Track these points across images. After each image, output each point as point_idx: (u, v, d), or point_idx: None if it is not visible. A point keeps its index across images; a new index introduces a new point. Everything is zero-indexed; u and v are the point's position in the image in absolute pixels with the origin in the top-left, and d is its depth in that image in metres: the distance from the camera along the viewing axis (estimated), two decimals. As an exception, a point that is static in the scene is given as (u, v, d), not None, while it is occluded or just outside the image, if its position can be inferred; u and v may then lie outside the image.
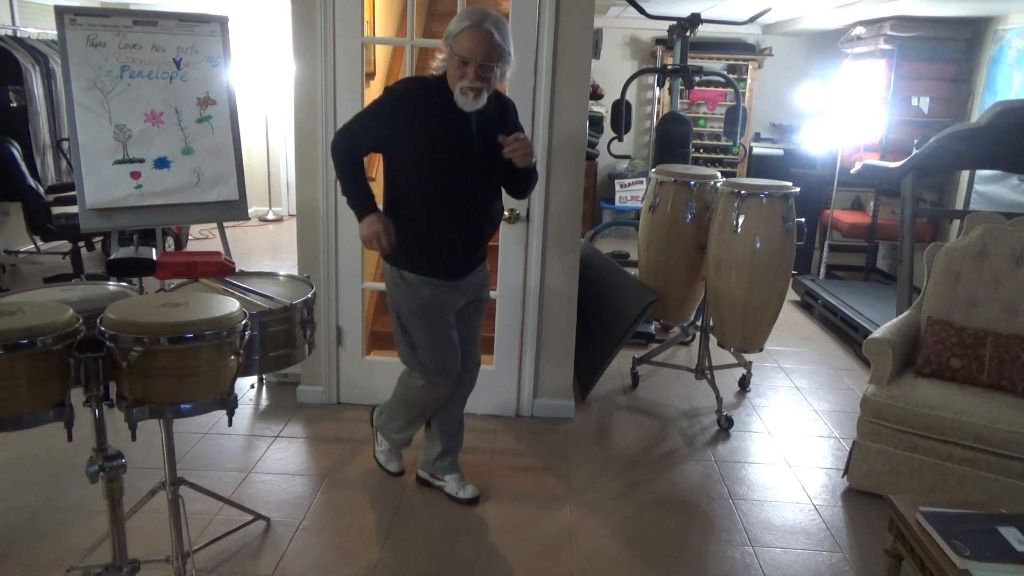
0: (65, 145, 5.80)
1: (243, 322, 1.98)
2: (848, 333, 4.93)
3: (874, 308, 4.98)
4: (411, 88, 2.55)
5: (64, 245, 5.75)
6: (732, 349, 3.81)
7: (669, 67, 5.31)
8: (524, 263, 3.50)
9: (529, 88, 3.31)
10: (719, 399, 3.75)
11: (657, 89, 7.75)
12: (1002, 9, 5.20)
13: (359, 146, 2.60)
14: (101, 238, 5.97)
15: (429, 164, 2.51)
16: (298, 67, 3.40)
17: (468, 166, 2.53)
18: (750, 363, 4.23)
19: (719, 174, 3.82)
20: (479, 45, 2.34)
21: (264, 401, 3.79)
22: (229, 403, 1.99)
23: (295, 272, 2.69)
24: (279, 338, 2.26)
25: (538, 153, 3.37)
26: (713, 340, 3.88)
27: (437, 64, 2.52)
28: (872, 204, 6.19)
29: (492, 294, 3.54)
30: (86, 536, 2.58)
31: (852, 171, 5.02)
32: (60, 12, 3.54)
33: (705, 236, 3.71)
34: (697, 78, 5.29)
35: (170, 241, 6.04)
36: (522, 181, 2.67)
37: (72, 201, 4.61)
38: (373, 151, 2.69)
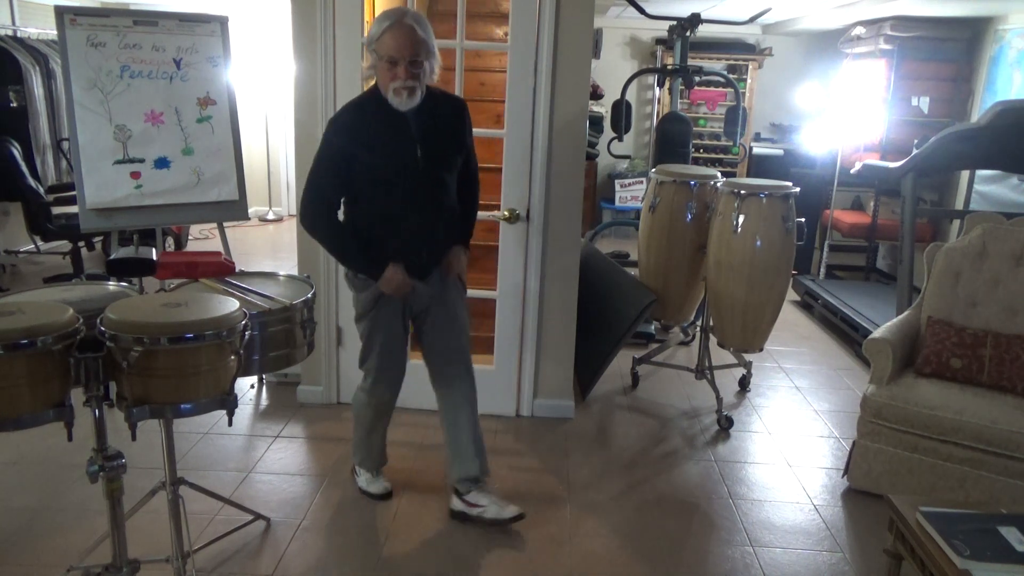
0: (65, 145, 5.80)
1: (243, 322, 1.98)
2: (848, 333, 4.93)
3: (874, 308, 4.98)
4: (346, 112, 2.52)
5: (64, 245, 5.74)
6: (732, 349, 3.81)
7: (669, 67, 5.32)
8: (524, 263, 3.50)
9: (529, 88, 3.31)
10: (719, 399, 3.75)
11: (657, 89, 7.75)
12: (1002, 9, 5.19)
13: (331, 196, 2.53)
14: (101, 238, 5.97)
15: (373, 170, 2.49)
16: (298, 67, 3.40)
17: (411, 168, 2.49)
18: (750, 363, 4.23)
19: (719, 174, 3.82)
20: (405, 43, 2.35)
21: (264, 401, 3.78)
22: (229, 403, 1.99)
23: (295, 272, 2.69)
24: (279, 338, 2.26)
25: (538, 153, 3.37)
26: (713, 340, 3.88)
27: (365, 74, 2.55)
28: (872, 204, 6.19)
29: (491, 293, 3.55)
30: (86, 536, 2.58)
31: (852, 171, 5.02)
32: (60, 12, 3.53)
33: (705, 236, 3.71)
34: (697, 78, 5.29)
35: (170, 241, 6.04)
36: (470, 205, 2.76)
37: (72, 201, 4.61)
38: (345, 191, 2.55)
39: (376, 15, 2.43)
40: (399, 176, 2.49)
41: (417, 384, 3.70)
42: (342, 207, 2.59)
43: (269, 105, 8.13)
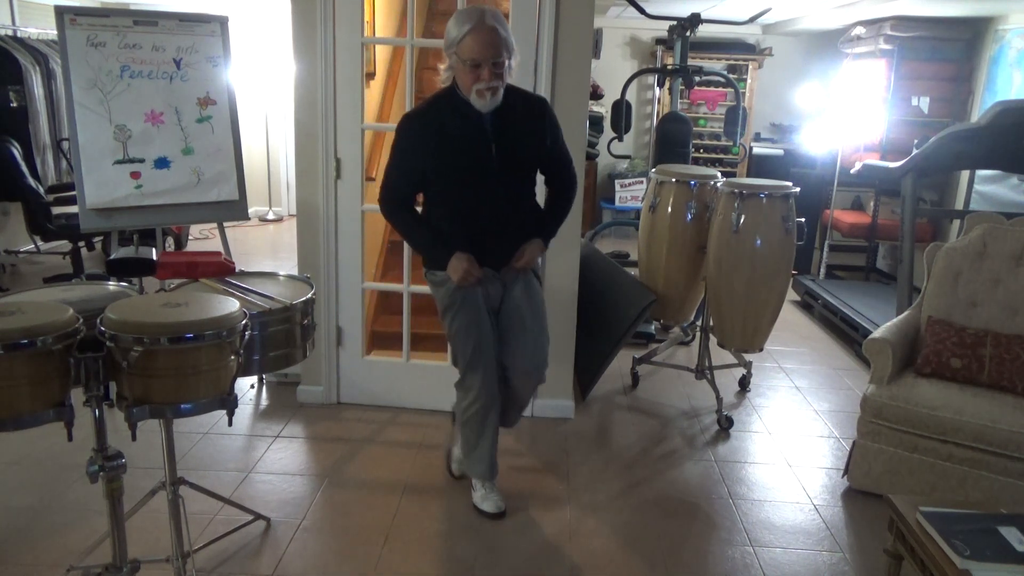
0: (65, 145, 5.80)
1: (243, 322, 1.98)
2: (848, 333, 4.93)
3: (874, 308, 4.98)
4: (421, 109, 2.57)
5: (64, 245, 5.74)
6: (732, 349, 3.81)
7: (669, 67, 5.32)
8: (524, 263, 3.49)
9: (529, 88, 3.30)
10: (719, 399, 3.75)
11: (657, 89, 7.75)
12: (1002, 9, 5.19)
13: (405, 191, 2.61)
14: (101, 238, 5.97)
15: (448, 170, 2.52)
16: (298, 67, 3.40)
17: (485, 167, 2.51)
18: (750, 363, 4.23)
19: (719, 174, 3.82)
20: (487, 46, 2.34)
21: (264, 401, 3.79)
22: (229, 403, 1.99)
23: (295, 272, 2.68)
24: (279, 338, 2.26)
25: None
26: (713, 340, 3.88)
27: (443, 76, 2.53)
28: (872, 204, 6.19)
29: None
30: (86, 536, 2.58)
31: (852, 171, 5.02)
32: (60, 12, 3.53)
33: (705, 236, 3.71)
34: (697, 78, 5.29)
35: (170, 241, 6.04)
36: (559, 206, 2.75)
37: (72, 201, 4.61)
38: (420, 186, 2.62)
39: (455, 15, 2.42)
40: (472, 174, 2.51)
41: (417, 384, 3.71)
42: (426, 201, 2.64)
43: (269, 105, 8.13)
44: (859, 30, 6.16)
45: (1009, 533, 1.96)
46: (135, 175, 3.70)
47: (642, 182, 5.32)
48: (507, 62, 2.40)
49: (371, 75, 4.61)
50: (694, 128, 6.99)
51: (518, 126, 2.54)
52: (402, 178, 2.59)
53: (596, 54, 7.49)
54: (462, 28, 2.36)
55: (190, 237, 6.82)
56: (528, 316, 2.71)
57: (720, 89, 7.73)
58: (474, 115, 2.47)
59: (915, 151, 4.10)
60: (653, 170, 4.00)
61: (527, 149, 2.59)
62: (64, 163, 5.93)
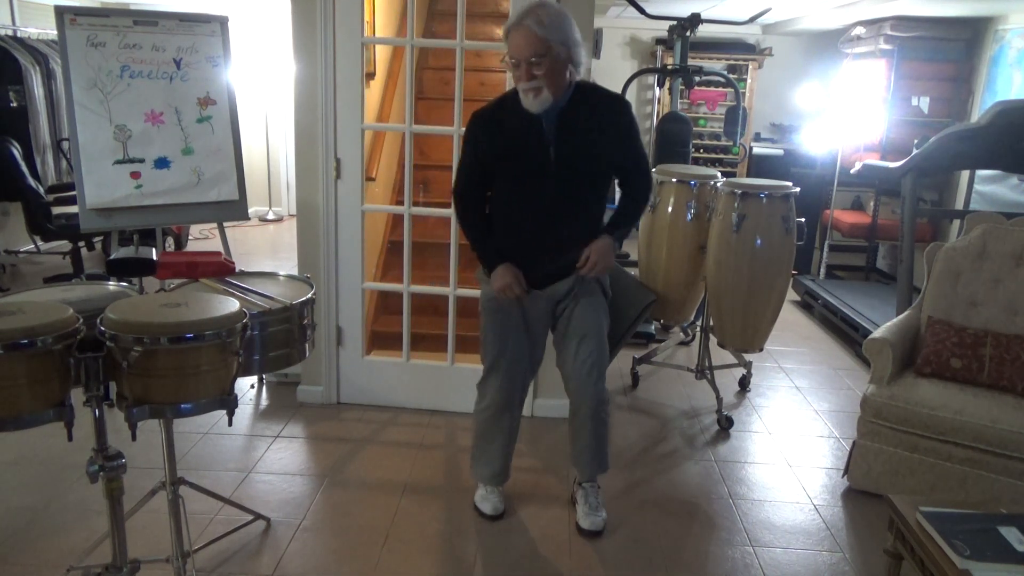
0: (65, 145, 5.80)
1: (243, 322, 1.98)
2: (848, 333, 4.93)
3: (874, 308, 4.98)
4: (487, 107, 2.54)
5: (64, 245, 5.75)
6: (732, 349, 3.81)
7: (669, 67, 5.32)
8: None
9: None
10: (719, 399, 3.75)
11: (657, 89, 7.75)
12: (1002, 9, 5.20)
13: (467, 187, 2.59)
14: (101, 238, 5.97)
15: (503, 170, 2.50)
16: (298, 67, 3.40)
17: (542, 170, 2.44)
18: (750, 363, 4.23)
19: (719, 174, 3.82)
20: (520, 44, 2.29)
21: (264, 401, 3.79)
22: (229, 403, 1.98)
23: (295, 272, 2.68)
24: (279, 338, 2.25)
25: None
26: (713, 340, 3.88)
27: (509, 75, 2.48)
28: (872, 204, 6.19)
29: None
30: (86, 536, 2.58)
31: (852, 171, 5.01)
32: (60, 12, 3.54)
33: (705, 236, 3.71)
34: (697, 78, 5.29)
35: (170, 241, 6.04)
36: (631, 208, 2.64)
37: (72, 201, 4.61)
38: (481, 185, 2.58)
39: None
40: (528, 177, 2.46)
41: (417, 384, 3.71)
42: (491, 202, 2.61)
43: (269, 105, 8.13)
44: (859, 30, 6.16)
45: (1009, 533, 1.96)
46: (135, 175, 3.70)
47: (642, 182, 5.30)
48: (546, 62, 2.28)
49: (371, 75, 4.61)
50: (694, 128, 6.98)
51: (584, 127, 2.43)
52: (464, 174, 2.59)
53: (596, 54, 7.49)
54: (506, 26, 2.34)
55: (190, 237, 6.82)
56: (583, 332, 2.60)
57: (720, 89, 7.73)
58: (533, 117, 2.39)
59: (915, 151, 4.10)
60: (653, 170, 3.99)
61: (592, 152, 2.46)
62: (64, 163, 5.93)
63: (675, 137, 5.04)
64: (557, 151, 2.43)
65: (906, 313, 3.38)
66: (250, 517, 2.72)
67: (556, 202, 2.49)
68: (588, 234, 2.53)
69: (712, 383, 3.85)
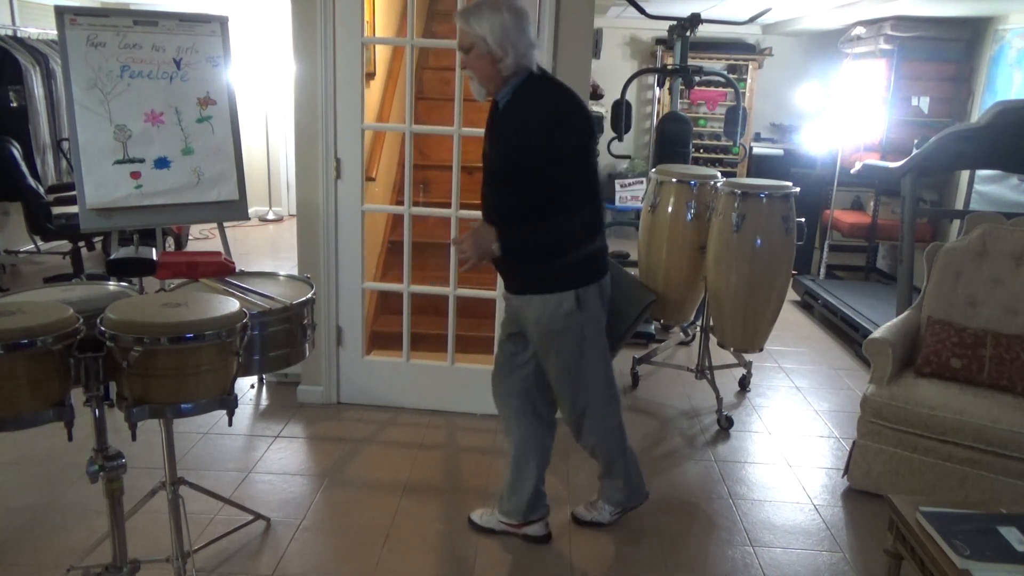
0: (65, 145, 5.80)
1: (243, 322, 1.98)
2: (848, 333, 4.93)
3: (874, 308, 4.98)
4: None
5: (64, 245, 5.74)
6: (732, 349, 3.81)
7: (669, 67, 5.31)
8: (524, 263, 3.49)
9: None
10: (719, 399, 3.75)
11: (657, 89, 7.74)
12: (1002, 9, 5.20)
13: None
14: (101, 238, 5.97)
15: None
16: (298, 67, 3.40)
17: (486, 164, 2.43)
18: (750, 363, 4.23)
19: (719, 174, 3.82)
20: (457, 36, 2.30)
21: (264, 401, 3.78)
22: (229, 403, 1.99)
23: (295, 272, 2.68)
24: (279, 338, 2.25)
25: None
26: (713, 340, 3.88)
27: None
28: (872, 204, 6.19)
29: (491, 293, 3.55)
30: (86, 536, 2.58)
31: (852, 171, 5.02)
32: (60, 12, 3.53)
33: (705, 236, 3.71)
34: (697, 78, 5.29)
35: (170, 241, 6.04)
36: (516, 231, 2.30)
37: (72, 201, 4.61)
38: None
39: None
40: (484, 169, 2.43)
41: (417, 384, 3.71)
42: None
43: (269, 105, 8.13)
44: (859, 30, 6.16)
45: (1009, 533, 1.96)
46: (135, 175, 3.70)
47: (642, 182, 5.30)
48: (473, 53, 2.22)
49: (371, 75, 4.61)
50: (694, 128, 6.98)
51: (499, 128, 2.36)
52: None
53: (596, 54, 7.48)
54: None
55: (190, 237, 6.82)
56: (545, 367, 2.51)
57: (720, 89, 7.73)
58: (495, 110, 2.37)
59: (915, 151, 4.09)
60: (653, 170, 3.99)
61: (501, 156, 2.35)
62: (64, 163, 5.93)
63: (675, 137, 5.03)
64: (488, 152, 2.42)
65: (906, 313, 3.38)
66: (250, 517, 2.72)
67: (486, 207, 2.44)
68: (507, 247, 2.28)
69: (712, 383, 3.85)
